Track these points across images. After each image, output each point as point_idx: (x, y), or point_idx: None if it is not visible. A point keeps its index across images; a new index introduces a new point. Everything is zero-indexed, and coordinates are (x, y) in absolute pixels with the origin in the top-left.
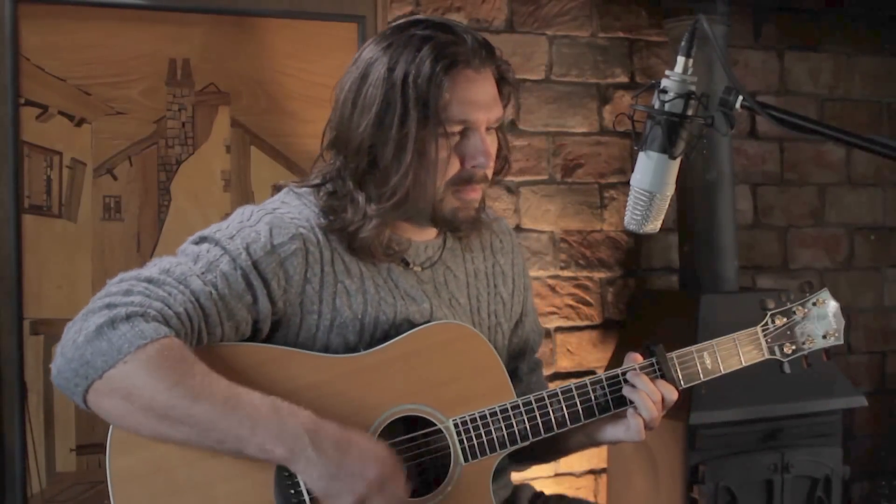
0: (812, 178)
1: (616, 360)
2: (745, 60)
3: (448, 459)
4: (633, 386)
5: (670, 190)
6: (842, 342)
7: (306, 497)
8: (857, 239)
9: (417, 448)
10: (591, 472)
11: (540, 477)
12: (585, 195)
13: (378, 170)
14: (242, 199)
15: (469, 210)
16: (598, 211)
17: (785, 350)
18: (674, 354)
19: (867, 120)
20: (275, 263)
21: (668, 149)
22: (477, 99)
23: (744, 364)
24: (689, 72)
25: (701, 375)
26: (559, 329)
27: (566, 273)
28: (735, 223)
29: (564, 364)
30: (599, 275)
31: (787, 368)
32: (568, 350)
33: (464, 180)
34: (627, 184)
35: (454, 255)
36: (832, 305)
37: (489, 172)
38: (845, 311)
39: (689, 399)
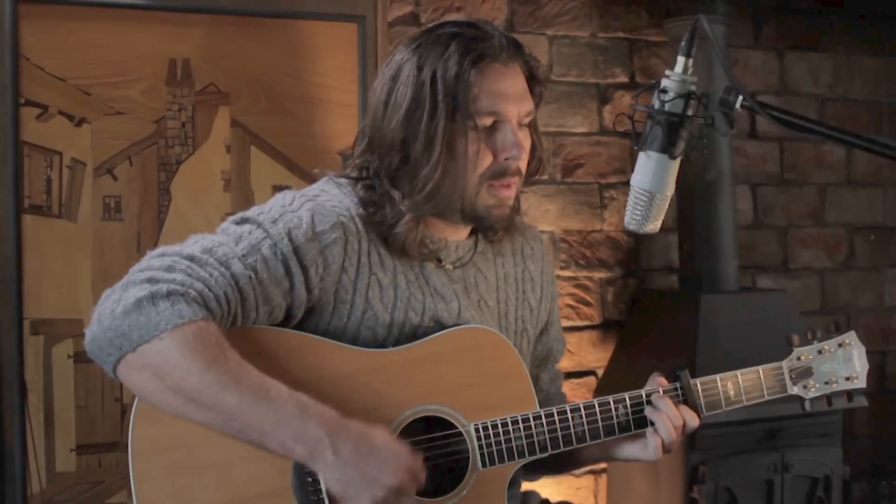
0: (812, 178)
1: (616, 360)
2: (745, 60)
3: (464, 463)
4: (655, 407)
5: (670, 190)
6: (864, 386)
7: (323, 487)
8: (857, 239)
9: (435, 449)
10: (592, 472)
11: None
12: (585, 195)
13: (409, 165)
14: (242, 199)
15: (503, 208)
16: (598, 211)
17: (808, 387)
18: (698, 381)
19: (867, 120)
20: (315, 251)
21: (668, 149)
22: (506, 90)
23: (766, 398)
24: (689, 72)
25: (723, 404)
26: None
27: (566, 273)
28: (735, 223)
29: (564, 364)
30: (599, 275)
31: (808, 406)
32: (568, 350)
33: (497, 173)
34: (627, 184)
35: (485, 257)
36: (858, 349)
37: (523, 165)
38: (845, 310)
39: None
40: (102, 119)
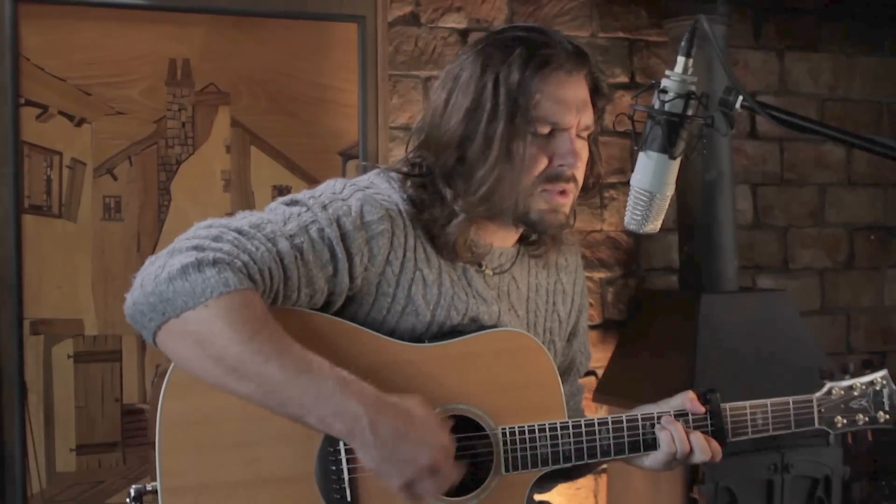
0: (812, 178)
1: (616, 360)
2: (745, 60)
3: (487, 465)
4: (663, 427)
5: (670, 190)
6: (891, 427)
7: (346, 477)
8: (857, 239)
9: (461, 449)
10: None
11: None
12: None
13: (465, 166)
14: (242, 199)
15: (558, 215)
16: (598, 211)
17: (835, 423)
18: (727, 406)
19: (867, 120)
20: (361, 240)
21: (668, 149)
22: (567, 99)
23: (793, 430)
24: (689, 72)
25: (749, 432)
26: None
27: None
28: (735, 223)
29: None
30: (599, 275)
31: (832, 440)
32: None
33: (552, 177)
34: (627, 184)
35: (522, 267)
36: (890, 388)
37: (579, 175)
38: (845, 310)
39: None
40: (102, 119)
